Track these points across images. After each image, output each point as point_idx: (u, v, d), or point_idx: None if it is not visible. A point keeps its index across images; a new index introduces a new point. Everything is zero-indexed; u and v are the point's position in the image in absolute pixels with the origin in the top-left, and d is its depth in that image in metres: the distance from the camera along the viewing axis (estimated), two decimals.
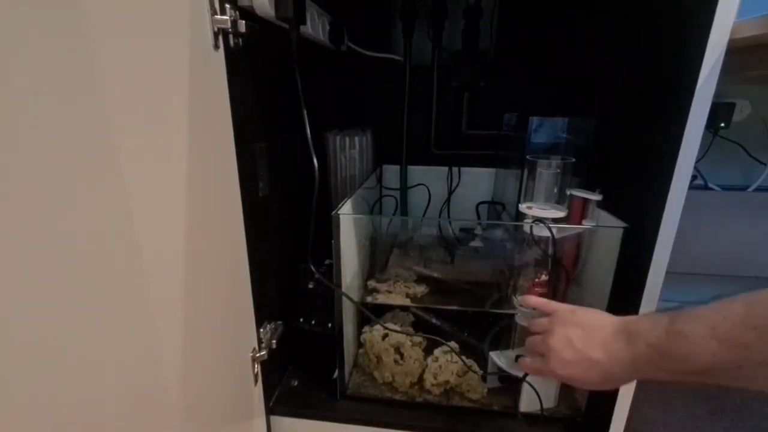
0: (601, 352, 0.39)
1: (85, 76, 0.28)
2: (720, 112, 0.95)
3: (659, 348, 0.35)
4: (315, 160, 0.53)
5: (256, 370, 0.59)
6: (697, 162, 0.46)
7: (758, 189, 1.04)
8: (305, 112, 0.53)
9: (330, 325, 0.66)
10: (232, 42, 0.47)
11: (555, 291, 0.63)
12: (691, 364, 0.32)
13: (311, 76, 0.60)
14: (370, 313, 0.66)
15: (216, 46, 0.44)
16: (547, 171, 0.60)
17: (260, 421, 0.63)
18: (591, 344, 0.39)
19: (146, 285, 0.35)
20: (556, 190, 0.60)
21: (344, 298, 0.62)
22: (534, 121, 0.66)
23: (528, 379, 0.53)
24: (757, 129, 1.00)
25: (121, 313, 0.33)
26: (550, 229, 0.56)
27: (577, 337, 0.41)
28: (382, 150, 0.96)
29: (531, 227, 0.57)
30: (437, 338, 0.64)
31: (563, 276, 0.64)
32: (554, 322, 0.44)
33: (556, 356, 0.42)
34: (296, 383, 0.70)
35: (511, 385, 0.64)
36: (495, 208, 0.94)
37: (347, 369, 0.68)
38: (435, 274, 0.77)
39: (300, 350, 0.72)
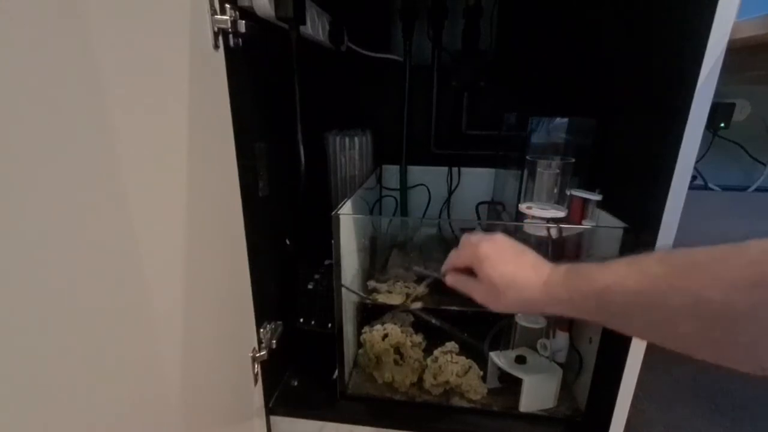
0: (533, 259, 0.40)
1: (85, 76, 0.28)
2: (720, 112, 0.95)
3: (577, 267, 0.36)
4: (303, 159, 0.53)
5: (256, 370, 0.59)
6: (697, 162, 0.46)
7: (758, 189, 1.04)
8: (298, 110, 0.53)
9: (330, 325, 0.66)
10: (232, 42, 0.47)
11: None
12: (596, 283, 0.33)
13: (311, 76, 0.61)
14: (374, 305, 0.66)
15: (216, 46, 0.44)
16: (547, 171, 0.60)
17: (260, 421, 0.63)
18: (530, 253, 0.41)
19: (146, 285, 0.35)
20: (556, 191, 0.60)
21: (345, 296, 0.62)
22: (534, 121, 0.66)
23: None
24: (757, 129, 1.00)
25: (121, 313, 0.33)
26: (558, 228, 0.56)
27: (524, 246, 0.42)
28: (382, 150, 0.96)
29: (548, 228, 0.57)
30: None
31: None
32: (489, 236, 0.44)
33: (493, 240, 0.42)
34: (296, 383, 0.70)
35: (511, 385, 0.64)
36: (495, 208, 0.94)
37: (347, 369, 0.68)
38: (435, 274, 0.76)
39: (300, 350, 0.72)
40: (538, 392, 0.62)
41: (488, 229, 0.90)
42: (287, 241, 0.62)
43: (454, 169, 0.99)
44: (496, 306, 0.41)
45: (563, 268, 0.37)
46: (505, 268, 0.40)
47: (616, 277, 0.32)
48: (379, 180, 1.00)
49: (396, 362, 0.66)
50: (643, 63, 0.57)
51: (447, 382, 0.65)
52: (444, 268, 0.47)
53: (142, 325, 0.35)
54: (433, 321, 0.72)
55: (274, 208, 0.63)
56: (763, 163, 1.03)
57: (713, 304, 0.26)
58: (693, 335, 0.28)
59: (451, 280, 0.46)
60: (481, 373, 0.67)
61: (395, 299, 0.71)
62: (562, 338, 0.66)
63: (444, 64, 0.92)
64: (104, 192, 0.30)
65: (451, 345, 0.68)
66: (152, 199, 0.35)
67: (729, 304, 0.25)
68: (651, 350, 0.53)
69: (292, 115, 0.55)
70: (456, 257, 0.45)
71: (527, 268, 0.39)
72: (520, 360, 0.64)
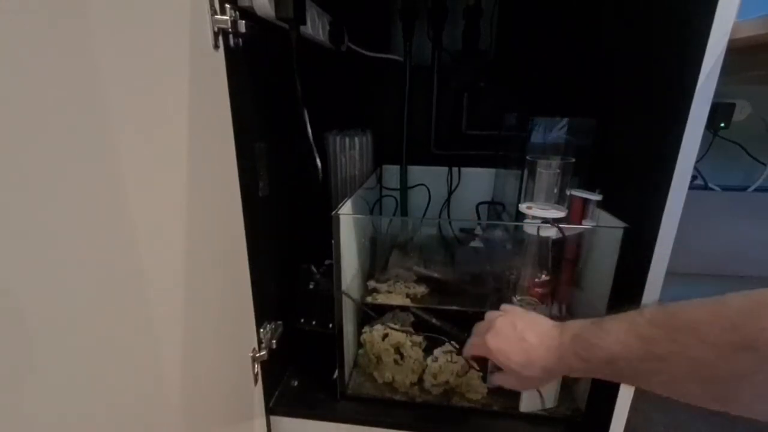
0: (536, 337, 0.42)
1: (85, 76, 0.28)
2: (720, 112, 0.95)
3: (581, 338, 0.38)
4: (318, 161, 0.53)
5: (256, 370, 0.59)
6: (697, 162, 0.46)
7: (758, 189, 1.04)
8: (306, 113, 0.53)
9: (330, 325, 0.66)
10: (232, 42, 0.47)
11: (555, 291, 0.63)
12: (604, 353, 0.35)
13: (311, 77, 0.61)
14: (372, 312, 0.66)
15: (216, 46, 0.44)
16: (547, 171, 0.60)
17: (260, 422, 0.63)
18: (530, 330, 0.43)
19: (146, 285, 0.35)
20: (556, 191, 0.60)
21: (345, 298, 0.62)
22: (534, 121, 0.66)
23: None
24: (757, 129, 1.00)
25: (121, 313, 0.33)
26: (560, 229, 0.56)
27: (521, 322, 0.44)
28: (382, 150, 0.96)
29: (538, 228, 0.57)
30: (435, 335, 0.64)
31: (563, 276, 0.64)
32: (505, 310, 0.49)
33: (495, 332, 0.45)
34: (296, 383, 0.70)
35: None
36: (495, 208, 0.94)
37: (347, 369, 0.68)
38: (435, 274, 0.77)
39: (300, 350, 0.72)
40: (538, 392, 0.62)
41: (488, 228, 0.90)
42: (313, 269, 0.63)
43: (454, 169, 0.99)
44: (526, 388, 0.46)
45: (568, 336, 0.39)
46: (518, 357, 0.42)
47: (619, 346, 0.34)
48: (380, 180, 1.00)
49: (396, 362, 0.66)
50: (643, 63, 0.57)
51: (447, 382, 0.65)
52: (465, 353, 0.51)
53: (142, 325, 0.35)
54: (433, 321, 0.72)
55: (275, 208, 0.63)
56: (763, 163, 1.03)
57: (708, 368, 0.27)
58: (702, 394, 0.29)
59: (468, 349, 0.50)
60: (481, 373, 0.67)
61: (395, 299, 0.71)
62: None
63: (444, 64, 0.92)
64: (104, 192, 0.30)
65: (451, 345, 0.68)
66: (152, 199, 0.35)
67: (720, 367, 0.27)
68: None
69: (295, 115, 0.55)
70: (473, 349, 0.49)
71: (537, 348, 0.41)
72: None
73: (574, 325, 0.40)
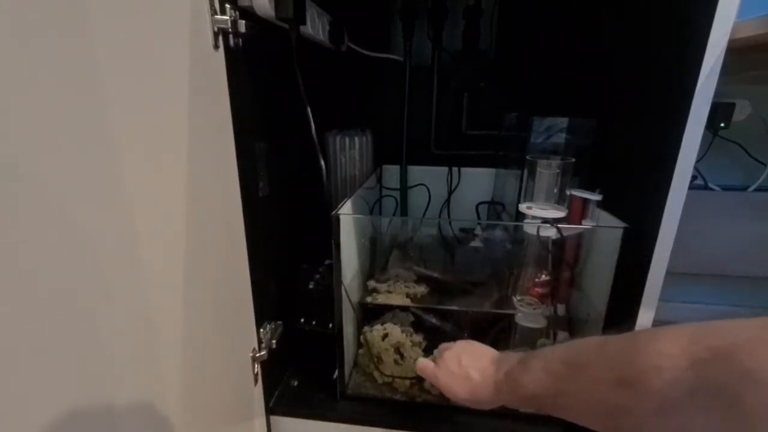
0: (478, 373, 0.45)
1: (85, 76, 0.28)
2: (720, 112, 0.94)
3: (510, 375, 0.41)
4: (322, 161, 0.53)
5: (256, 370, 0.59)
6: (697, 162, 0.46)
7: (758, 189, 1.04)
8: (309, 111, 0.53)
9: (330, 325, 0.66)
10: (232, 42, 0.47)
11: (555, 291, 0.63)
12: (528, 391, 0.38)
13: (311, 76, 0.61)
14: (373, 306, 0.66)
15: (216, 46, 0.44)
16: (547, 171, 0.60)
17: (260, 421, 0.63)
18: (473, 365, 0.46)
19: (146, 285, 0.35)
20: (556, 190, 0.60)
21: (345, 298, 0.62)
22: (534, 121, 0.66)
23: None
24: (757, 129, 1.00)
25: (121, 313, 0.33)
26: (558, 229, 0.56)
27: (466, 357, 0.48)
28: (382, 150, 0.96)
29: (538, 229, 0.57)
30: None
31: (563, 276, 0.64)
32: (456, 344, 0.53)
33: (444, 365, 0.49)
34: (296, 383, 0.70)
35: None
36: (495, 208, 0.94)
37: (347, 369, 0.68)
38: (435, 274, 0.77)
39: (300, 350, 0.72)
40: None
41: (488, 228, 0.90)
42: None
43: (454, 169, 0.99)
44: (449, 394, 0.48)
45: (502, 373, 0.43)
46: (463, 393, 0.46)
47: (536, 383, 0.37)
48: (379, 180, 1.00)
49: (396, 362, 0.66)
50: (643, 63, 0.57)
51: None
52: (418, 371, 0.55)
53: (142, 325, 0.35)
54: (434, 321, 0.72)
55: (275, 208, 0.63)
56: (763, 163, 1.02)
57: (600, 403, 0.31)
58: (603, 426, 0.32)
59: (420, 368, 0.54)
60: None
61: (395, 299, 0.71)
62: (562, 338, 0.66)
63: (444, 64, 0.92)
64: (104, 191, 0.30)
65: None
66: (152, 199, 0.35)
67: (608, 401, 0.30)
68: None
69: (295, 115, 0.55)
70: (425, 374, 0.53)
71: (480, 385, 0.45)
72: None
73: (508, 361, 0.43)
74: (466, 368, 0.47)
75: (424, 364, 0.53)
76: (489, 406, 0.46)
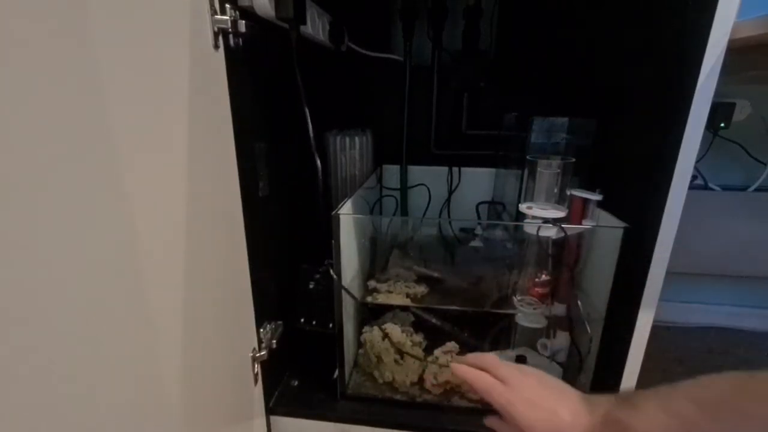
0: (567, 412, 0.39)
1: (85, 76, 0.28)
2: (720, 112, 0.95)
3: (612, 417, 0.36)
4: (318, 161, 0.53)
5: (256, 370, 0.59)
6: (697, 162, 0.46)
7: (758, 189, 1.04)
8: (307, 111, 0.53)
9: (330, 325, 0.66)
10: (232, 42, 0.47)
11: (555, 291, 0.63)
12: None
13: (311, 76, 0.61)
14: (373, 310, 0.66)
15: (216, 46, 0.44)
16: (547, 171, 0.60)
17: (260, 421, 0.63)
18: (560, 402, 0.40)
19: (146, 285, 0.35)
20: (556, 190, 0.60)
21: (346, 296, 0.62)
22: (534, 121, 0.66)
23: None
24: (757, 129, 1.00)
25: (121, 313, 0.33)
26: (562, 228, 0.56)
27: (547, 390, 0.41)
28: (382, 150, 0.96)
29: (538, 229, 0.57)
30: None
31: (563, 276, 0.64)
32: (527, 368, 0.44)
33: (520, 393, 0.41)
34: (296, 383, 0.70)
35: None
36: (495, 208, 0.94)
37: (347, 369, 0.68)
38: (435, 274, 0.77)
39: (300, 350, 0.72)
40: None
41: (488, 228, 0.90)
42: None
43: (455, 169, 0.99)
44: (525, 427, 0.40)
45: (598, 416, 0.37)
46: (544, 430, 0.39)
47: (658, 427, 0.33)
48: (380, 180, 1.00)
49: (396, 362, 0.66)
50: (644, 63, 0.57)
51: (447, 382, 0.65)
52: (465, 375, 0.45)
53: (142, 325, 0.35)
54: (434, 321, 0.72)
55: (275, 208, 0.63)
56: (763, 163, 1.02)
57: None
58: None
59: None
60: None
61: (395, 299, 0.71)
62: (562, 338, 0.66)
63: (444, 64, 0.92)
64: (104, 191, 0.30)
65: (451, 345, 0.68)
66: (152, 199, 0.35)
67: None
68: (651, 350, 0.53)
69: (295, 115, 0.55)
70: (487, 388, 0.43)
71: (569, 426, 0.38)
72: (521, 360, 0.64)
73: (601, 403, 0.38)
74: (552, 403, 0.40)
75: (490, 384, 0.43)
76: None
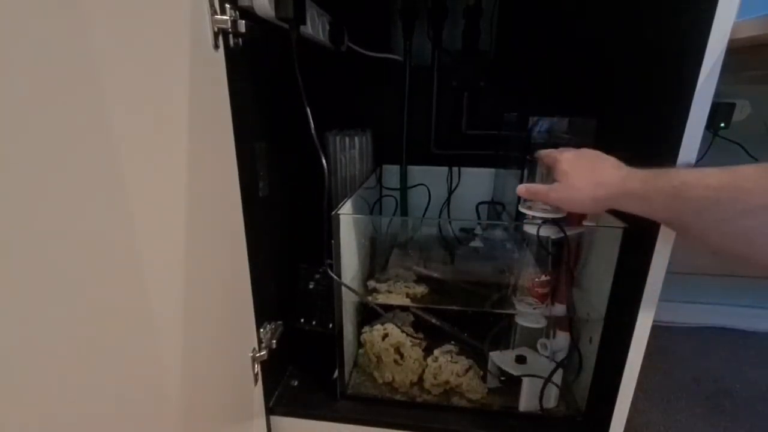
0: (609, 164, 0.44)
1: (86, 76, 0.28)
2: (720, 112, 0.94)
3: (655, 170, 0.41)
4: (323, 161, 0.53)
5: (256, 370, 0.59)
6: (697, 162, 0.46)
7: None
8: (309, 112, 0.53)
9: (330, 325, 0.66)
10: (232, 42, 0.47)
11: (555, 291, 0.63)
12: (677, 181, 0.38)
13: (311, 76, 0.61)
14: (378, 308, 0.66)
15: (216, 46, 0.44)
16: (547, 171, 0.60)
17: (260, 421, 0.63)
18: (598, 171, 0.45)
19: (146, 285, 0.35)
20: None
21: (346, 296, 0.62)
22: (534, 120, 0.66)
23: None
24: (757, 129, 1.00)
25: (122, 313, 0.33)
26: (562, 228, 0.56)
27: (588, 161, 0.46)
28: (382, 150, 0.96)
29: (538, 228, 0.57)
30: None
31: (563, 276, 0.63)
32: (563, 156, 0.48)
33: (578, 153, 0.47)
34: (296, 383, 0.70)
35: (511, 385, 0.64)
36: (495, 208, 0.94)
37: (347, 369, 0.68)
38: (435, 274, 0.76)
39: (300, 350, 0.72)
40: (537, 392, 0.62)
41: (488, 228, 0.90)
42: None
43: (454, 169, 0.99)
44: (571, 204, 0.46)
45: (641, 170, 0.42)
46: (582, 168, 0.45)
47: (695, 174, 0.37)
48: (379, 180, 1.00)
49: (396, 362, 0.66)
50: (644, 63, 0.57)
51: (447, 382, 0.65)
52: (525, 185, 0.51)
53: (142, 325, 0.35)
54: (434, 321, 0.72)
55: (274, 208, 0.63)
56: None
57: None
58: (760, 229, 0.32)
59: (525, 190, 0.51)
60: (481, 373, 0.67)
61: (395, 299, 0.71)
62: (562, 338, 0.66)
63: (444, 64, 0.92)
64: (104, 191, 0.30)
65: (451, 345, 0.68)
66: (152, 199, 0.35)
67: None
68: (651, 350, 0.53)
69: (295, 115, 0.55)
70: (548, 155, 0.50)
71: (604, 169, 0.44)
72: (520, 360, 0.64)
73: (631, 173, 0.43)
74: (591, 166, 0.45)
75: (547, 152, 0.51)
76: (607, 201, 0.44)
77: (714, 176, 0.35)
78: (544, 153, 0.53)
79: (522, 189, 0.51)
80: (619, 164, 0.44)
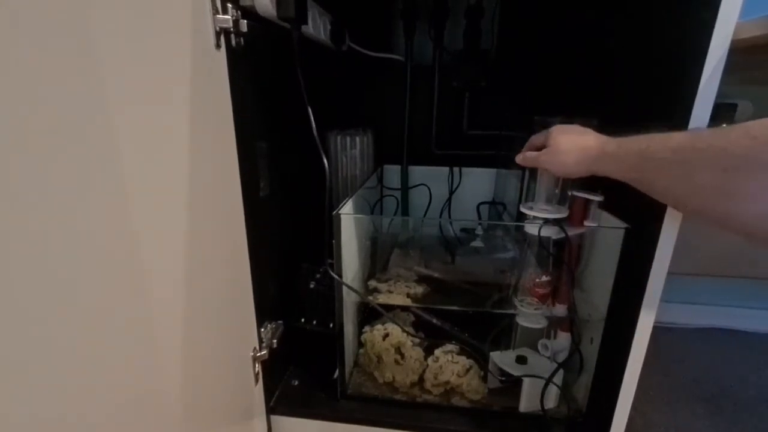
0: (592, 135, 0.50)
1: (87, 76, 0.28)
2: (722, 112, 0.94)
3: (628, 137, 0.45)
4: (325, 161, 0.53)
5: (256, 369, 0.59)
6: None
7: None
8: (310, 111, 0.53)
9: (331, 325, 0.66)
10: (233, 41, 0.47)
11: (556, 292, 0.63)
12: (644, 144, 0.42)
13: (312, 76, 0.61)
14: (379, 308, 0.66)
15: (218, 46, 0.44)
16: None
17: (261, 421, 0.63)
18: (583, 137, 0.51)
19: (147, 284, 0.35)
20: (557, 191, 0.60)
21: (346, 296, 0.62)
22: (535, 121, 0.66)
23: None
24: None
25: (123, 313, 0.33)
26: (563, 229, 0.56)
27: (575, 131, 0.52)
28: (383, 150, 0.96)
29: (539, 229, 0.57)
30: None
31: (564, 277, 0.63)
32: (554, 127, 0.54)
33: (558, 130, 0.53)
34: (297, 383, 0.70)
35: (511, 385, 0.64)
36: (496, 208, 0.94)
37: (348, 369, 0.68)
38: (436, 274, 0.76)
39: (301, 350, 0.72)
40: (538, 392, 0.62)
41: (489, 229, 0.90)
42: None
43: (455, 169, 0.99)
44: (557, 165, 0.51)
45: (617, 138, 0.47)
46: (571, 135, 0.51)
47: (661, 137, 0.40)
48: (380, 180, 1.00)
49: (396, 362, 0.66)
50: (645, 63, 0.57)
51: (447, 382, 0.65)
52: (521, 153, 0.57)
53: (143, 325, 0.35)
54: (434, 321, 0.72)
55: (276, 208, 0.63)
56: None
57: (733, 157, 0.34)
58: (709, 185, 0.35)
59: (521, 157, 0.57)
60: (482, 373, 0.67)
61: (396, 299, 0.71)
62: (563, 339, 0.66)
63: (445, 64, 0.92)
64: (105, 191, 0.30)
65: (451, 345, 0.68)
66: (153, 198, 0.35)
67: (744, 156, 0.33)
68: (651, 351, 0.53)
69: (296, 115, 0.55)
70: (533, 138, 0.57)
71: (589, 136, 0.50)
72: (521, 360, 0.64)
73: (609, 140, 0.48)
74: (576, 135, 0.51)
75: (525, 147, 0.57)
76: (588, 163, 0.48)
77: (676, 138, 0.38)
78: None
79: (519, 158, 0.57)
80: (597, 135, 0.50)
